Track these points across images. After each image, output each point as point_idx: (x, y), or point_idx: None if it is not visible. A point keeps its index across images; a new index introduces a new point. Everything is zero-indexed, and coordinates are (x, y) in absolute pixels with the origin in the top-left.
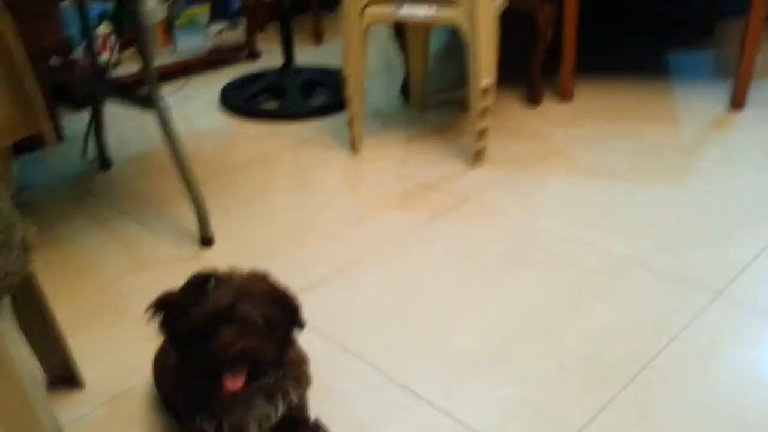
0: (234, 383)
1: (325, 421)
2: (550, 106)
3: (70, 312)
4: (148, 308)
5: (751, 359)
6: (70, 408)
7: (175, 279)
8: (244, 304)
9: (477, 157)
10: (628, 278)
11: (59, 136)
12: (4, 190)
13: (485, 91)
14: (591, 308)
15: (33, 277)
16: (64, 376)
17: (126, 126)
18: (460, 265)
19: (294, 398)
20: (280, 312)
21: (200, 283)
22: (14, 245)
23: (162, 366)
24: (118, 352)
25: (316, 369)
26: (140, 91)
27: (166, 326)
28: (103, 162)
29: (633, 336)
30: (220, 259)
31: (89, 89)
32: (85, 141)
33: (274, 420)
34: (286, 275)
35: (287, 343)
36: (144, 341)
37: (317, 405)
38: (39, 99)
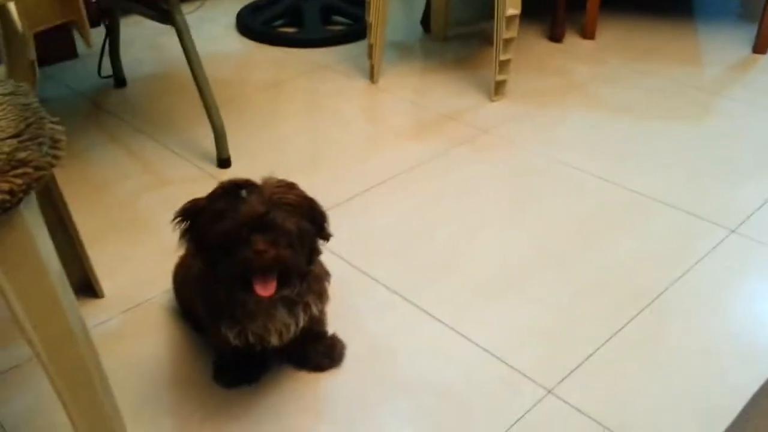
0: (266, 289)
1: (342, 337)
2: (572, 43)
3: (88, 226)
4: (176, 215)
5: (763, 293)
6: (88, 316)
7: (192, 197)
8: (277, 212)
9: (497, 89)
10: (645, 212)
11: (74, 53)
12: (32, 88)
13: (510, 19)
14: (607, 240)
15: (55, 182)
16: (83, 285)
17: (140, 47)
18: (477, 194)
19: (314, 311)
20: (308, 222)
21: (232, 191)
22: (44, 140)
23: (183, 276)
24: (136, 265)
25: (334, 288)
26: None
27: (194, 232)
28: (118, 80)
29: (647, 268)
30: None
31: (107, 2)
32: (101, 57)
33: (293, 331)
34: None
35: (314, 254)
36: (162, 256)
37: (334, 321)
38: None
